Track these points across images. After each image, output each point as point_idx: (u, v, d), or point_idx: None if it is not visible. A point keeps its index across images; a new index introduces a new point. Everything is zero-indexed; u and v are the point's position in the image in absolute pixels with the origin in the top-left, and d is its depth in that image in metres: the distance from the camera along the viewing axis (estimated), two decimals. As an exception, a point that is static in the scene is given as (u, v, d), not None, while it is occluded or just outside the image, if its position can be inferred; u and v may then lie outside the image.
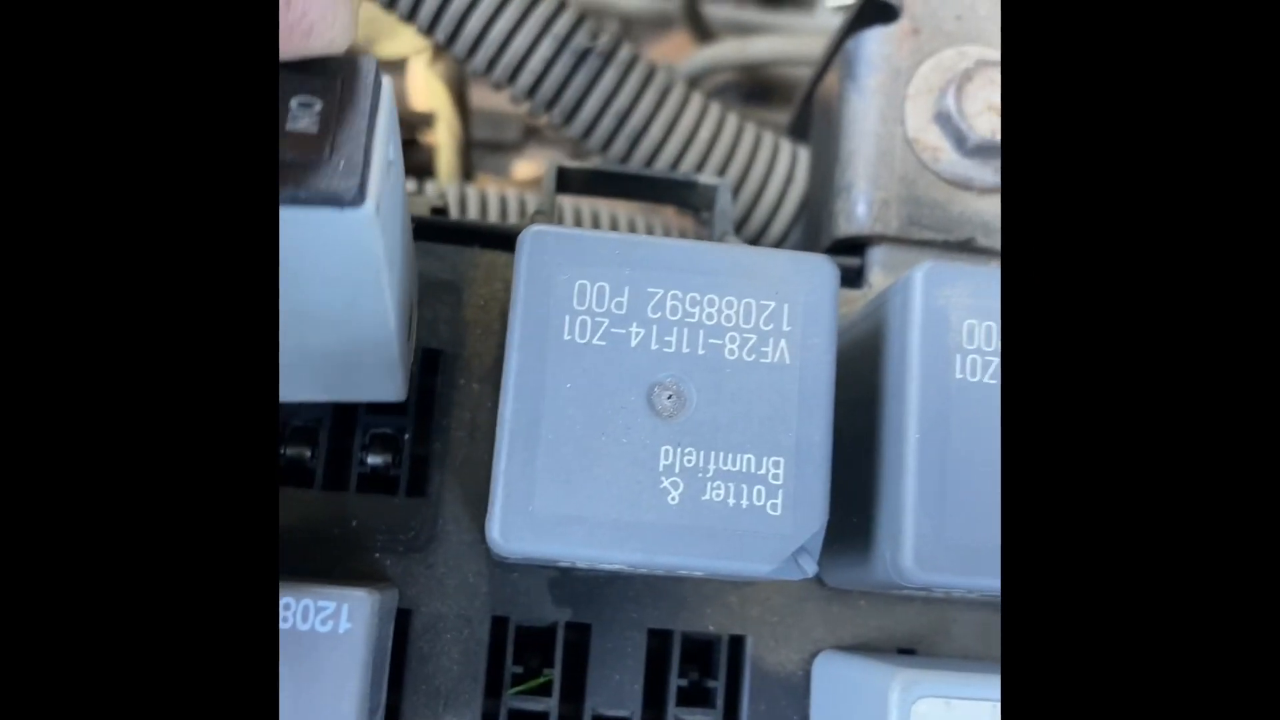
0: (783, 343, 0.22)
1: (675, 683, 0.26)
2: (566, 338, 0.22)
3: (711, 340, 0.22)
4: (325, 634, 0.20)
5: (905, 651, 0.27)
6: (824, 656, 0.26)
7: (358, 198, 0.19)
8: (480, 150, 0.56)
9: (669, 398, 0.22)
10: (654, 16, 0.67)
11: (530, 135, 0.58)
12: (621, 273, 0.22)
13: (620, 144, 0.38)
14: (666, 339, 0.22)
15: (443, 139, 0.46)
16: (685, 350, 0.22)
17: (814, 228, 0.33)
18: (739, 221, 0.39)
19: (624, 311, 0.22)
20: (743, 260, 0.23)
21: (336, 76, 0.20)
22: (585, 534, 0.21)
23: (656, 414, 0.22)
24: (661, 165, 0.39)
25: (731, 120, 0.40)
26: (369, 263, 0.20)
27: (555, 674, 0.26)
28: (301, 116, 0.20)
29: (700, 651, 0.27)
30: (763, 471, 0.22)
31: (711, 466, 0.22)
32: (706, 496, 0.21)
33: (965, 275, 0.23)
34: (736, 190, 0.39)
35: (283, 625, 0.20)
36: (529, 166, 0.63)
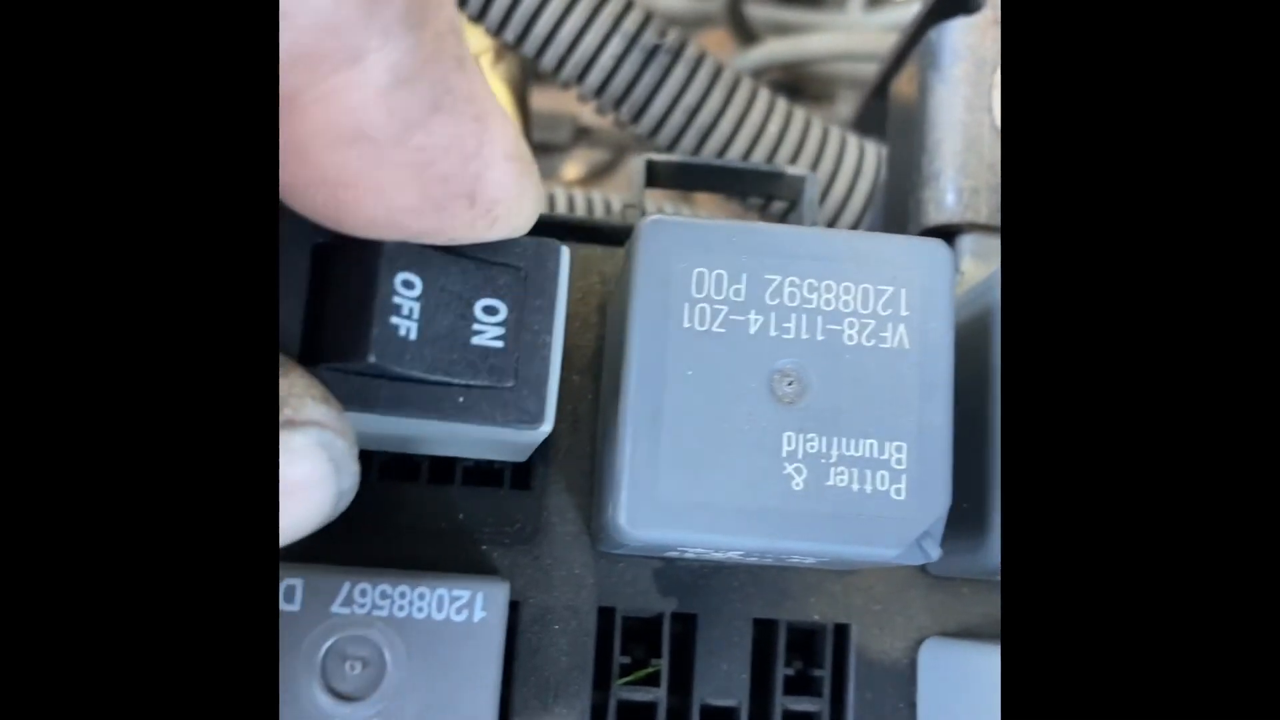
0: (901, 327, 0.22)
1: (781, 672, 0.26)
2: (686, 325, 0.22)
3: (830, 326, 0.22)
4: (460, 623, 0.20)
5: (1010, 638, 0.27)
6: (930, 643, 0.26)
7: (540, 421, 0.20)
8: (534, 152, 0.57)
9: (789, 384, 0.22)
10: (695, 16, 0.67)
11: (580, 136, 0.58)
12: (739, 260, 0.22)
13: (690, 139, 0.39)
14: (785, 325, 0.22)
15: (503, 139, 0.46)
16: (804, 336, 0.22)
17: (897, 218, 0.33)
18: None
19: (742, 299, 0.22)
20: (859, 246, 0.23)
21: (521, 270, 0.20)
22: (710, 519, 0.21)
23: (778, 400, 0.22)
24: (731, 159, 0.39)
25: (799, 115, 0.40)
26: (536, 442, 0.22)
27: (663, 664, 0.26)
28: (487, 328, 0.20)
29: (805, 640, 0.27)
30: (885, 456, 0.22)
31: (834, 452, 0.22)
32: (830, 482, 0.22)
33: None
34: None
35: (417, 615, 0.20)
36: (576, 167, 0.63)
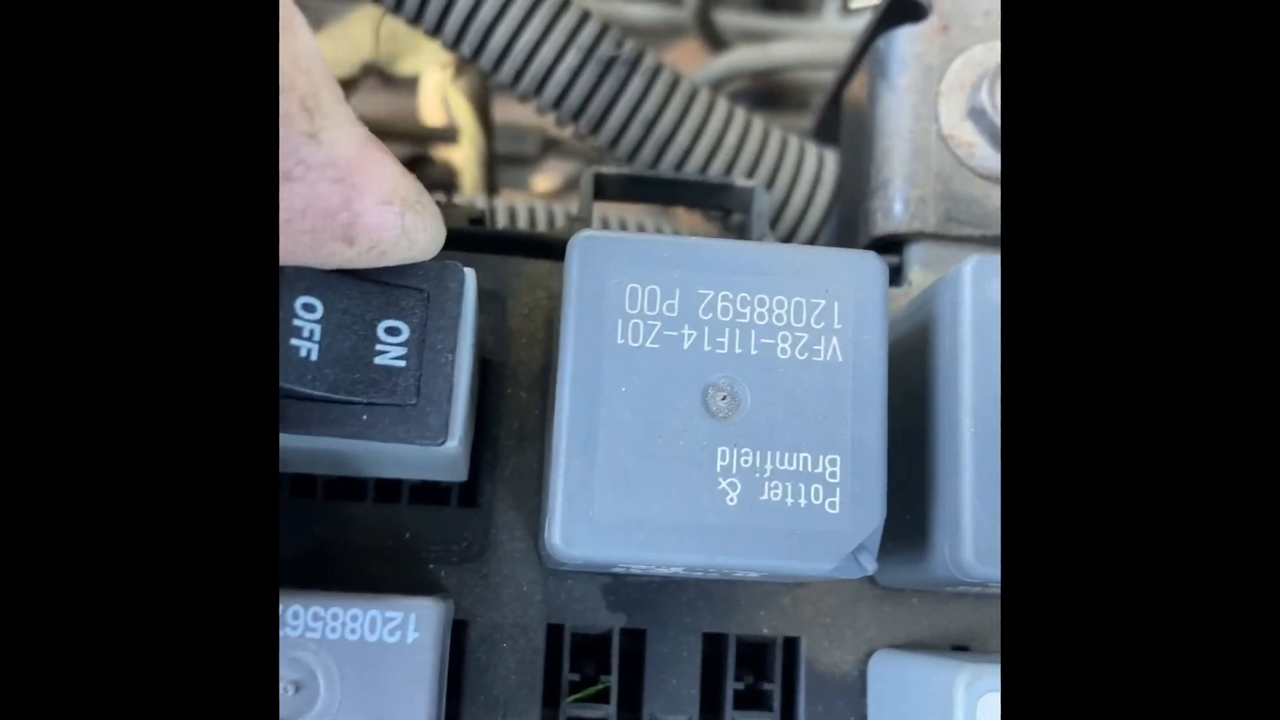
0: (834, 340, 0.22)
1: (731, 686, 0.26)
2: (620, 341, 0.22)
3: (764, 340, 0.22)
4: (394, 644, 0.20)
5: (959, 648, 0.27)
6: (880, 655, 0.26)
7: (442, 437, 0.21)
8: (500, 164, 0.56)
9: (723, 399, 0.22)
10: (665, 25, 0.67)
11: (549, 148, 0.58)
12: (673, 275, 0.22)
13: (648, 151, 0.39)
14: (719, 340, 0.22)
15: (467, 154, 0.46)
16: (738, 351, 0.22)
17: (849, 227, 0.33)
18: (771, 220, 0.39)
19: (676, 314, 0.22)
20: (792, 259, 0.23)
21: (424, 291, 0.21)
22: (645, 537, 0.21)
23: (712, 415, 0.22)
24: (690, 170, 0.39)
25: (757, 124, 0.40)
26: (445, 463, 0.23)
27: (612, 680, 0.26)
28: (389, 348, 0.20)
29: (755, 654, 0.27)
30: (820, 470, 0.22)
31: (769, 466, 0.22)
32: (765, 496, 0.21)
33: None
34: (766, 188, 0.39)
35: (350, 637, 0.20)
36: (548, 179, 0.63)
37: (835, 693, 0.27)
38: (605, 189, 0.30)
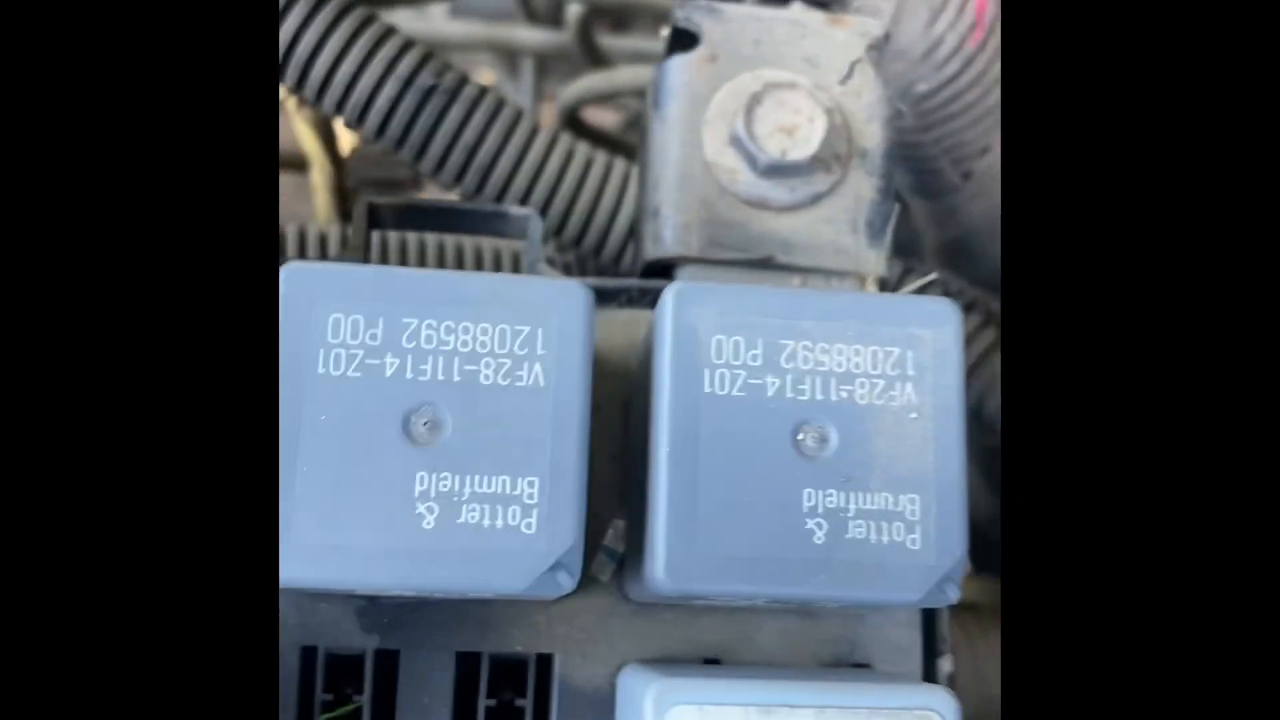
0: (537, 366, 0.23)
1: (484, 703, 0.27)
2: (321, 371, 0.22)
3: (467, 366, 0.23)
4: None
5: (710, 661, 0.28)
6: (626, 670, 0.27)
7: None
8: (375, 188, 0.57)
9: (425, 424, 0.22)
10: (555, 49, 0.68)
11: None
12: (376, 305, 0.23)
13: (471, 178, 0.39)
14: (422, 368, 0.23)
15: (317, 181, 0.47)
16: (440, 378, 0.23)
17: (636, 250, 0.34)
18: (593, 251, 0.40)
19: (379, 343, 0.23)
20: (499, 287, 0.23)
21: None
22: (343, 561, 0.22)
23: (413, 441, 0.22)
24: (512, 196, 0.40)
25: (581, 151, 0.41)
26: None
27: (365, 700, 0.27)
28: None
29: (511, 671, 0.28)
30: (517, 492, 0.22)
31: (467, 490, 0.22)
32: (461, 519, 0.22)
33: (714, 293, 0.24)
34: (588, 219, 0.40)
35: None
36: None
37: (586, 708, 0.27)
38: (382, 219, 0.31)
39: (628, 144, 0.54)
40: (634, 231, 0.34)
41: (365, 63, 0.38)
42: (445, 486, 0.22)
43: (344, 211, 0.49)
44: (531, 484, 0.22)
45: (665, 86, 0.31)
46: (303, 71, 0.39)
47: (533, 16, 0.72)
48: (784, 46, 0.31)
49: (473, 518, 0.22)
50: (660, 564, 0.22)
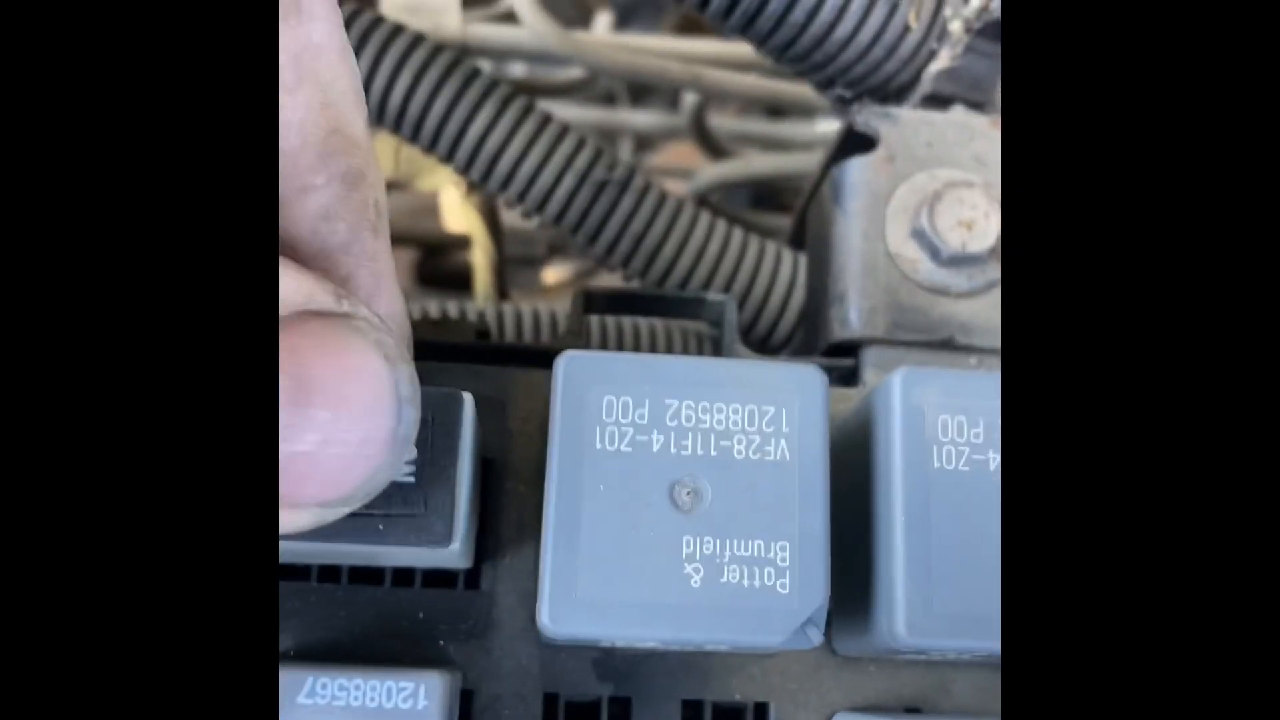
0: (783, 442, 0.26)
1: (708, 747, 0.30)
2: (598, 446, 0.26)
3: (722, 443, 0.26)
4: (406, 710, 0.24)
5: (911, 710, 0.30)
6: (839, 718, 0.30)
7: (447, 541, 0.25)
8: (512, 265, 0.61)
9: (687, 494, 0.25)
10: (664, 130, 0.72)
11: (555, 250, 0.63)
12: (643, 388, 0.26)
13: (638, 261, 0.43)
14: (683, 443, 0.26)
15: (478, 261, 0.51)
16: (700, 452, 0.26)
17: (813, 331, 0.37)
18: (747, 326, 0.44)
19: (646, 421, 0.26)
20: (745, 373, 0.26)
21: (434, 419, 0.25)
22: (621, 616, 0.25)
23: (678, 508, 0.25)
24: (675, 278, 0.43)
25: (736, 235, 0.44)
26: (450, 556, 0.26)
27: (601, 744, 0.29)
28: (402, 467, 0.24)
29: (730, 718, 0.30)
30: (771, 555, 0.25)
31: (727, 553, 0.25)
32: (724, 579, 0.25)
33: (937, 376, 0.27)
34: (744, 299, 0.43)
35: (370, 704, 0.24)
36: (555, 275, 0.68)
37: (801, 753, 0.30)
38: (593, 304, 0.34)
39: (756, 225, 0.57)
40: (809, 312, 0.38)
41: (546, 159, 0.42)
42: (709, 550, 0.25)
43: (500, 288, 0.53)
44: (783, 548, 0.25)
45: (847, 183, 0.35)
46: (489, 167, 0.42)
47: (636, 100, 0.76)
48: (954, 148, 0.35)
49: (733, 578, 0.25)
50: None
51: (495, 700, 0.29)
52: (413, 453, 0.24)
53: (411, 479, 0.24)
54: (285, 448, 0.19)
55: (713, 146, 0.68)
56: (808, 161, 0.58)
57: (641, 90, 0.74)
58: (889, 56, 0.36)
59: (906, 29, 0.35)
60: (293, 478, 0.20)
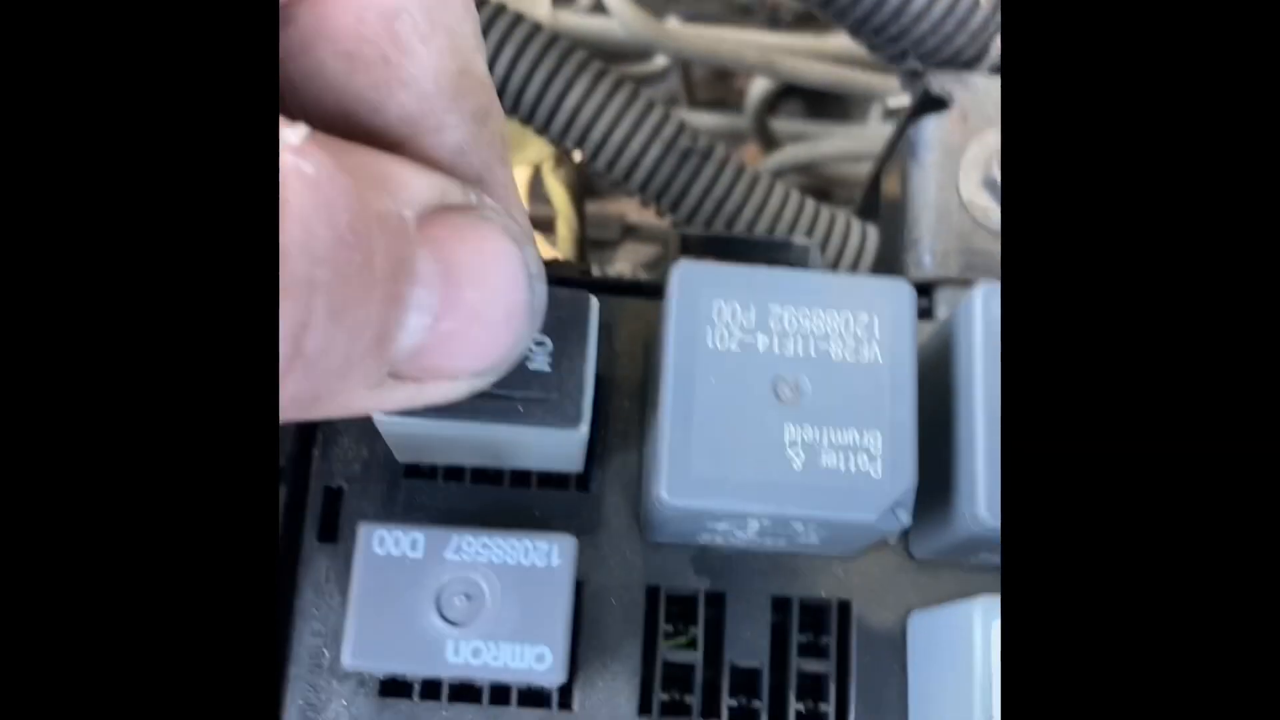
0: (875, 346, 0.29)
1: (796, 639, 0.32)
2: (710, 345, 0.29)
3: (820, 345, 0.29)
4: (542, 567, 0.27)
5: (984, 611, 0.33)
6: (916, 614, 0.32)
7: (576, 421, 0.28)
8: (587, 247, 0.64)
9: (789, 389, 0.28)
10: (728, 131, 0.76)
11: (628, 233, 0.66)
12: (750, 295, 0.29)
13: (718, 225, 0.46)
14: (786, 345, 0.29)
15: (563, 234, 0.54)
16: (800, 354, 0.29)
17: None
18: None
19: (752, 324, 0.29)
20: (842, 284, 0.29)
21: (564, 317, 0.28)
22: (731, 491, 0.28)
23: (781, 401, 0.28)
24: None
25: (810, 204, 0.47)
26: (574, 449, 0.30)
27: (699, 632, 0.32)
28: (537, 356, 0.28)
29: (815, 614, 0.33)
30: (865, 443, 0.28)
31: (825, 440, 0.28)
32: (823, 463, 0.28)
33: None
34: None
35: (510, 561, 0.27)
36: (627, 260, 0.71)
37: (881, 646, 0.32)
38: (690, 247, 0.37)
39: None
40: (885, 263, 0.41)
41: (635, 129, 0.46)
42: (809, 437, 0.28)
43: (581, 259, 0.56)
44: (875, 437, 0.28)
45: (922, 139, 0.38)
46: (582, 135, 0.46)
47: (694, 99, 0.80)
48: (1021, 109, 0.38)
49: (830, 462, 0.28)
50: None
51: (602, 591, 0.32)
52: (547, 342, 0.27)
53: (546, 368, 0.28)
54: (442, 326, 0.22)
55: (772, 142, 0.71)
56: (867, 143, 0.61)
57: (702, 91, 0.77)
58: (960, 30, 0.39)
59: (976, 4, 0.39)
60: (449, 352, 0.23)
